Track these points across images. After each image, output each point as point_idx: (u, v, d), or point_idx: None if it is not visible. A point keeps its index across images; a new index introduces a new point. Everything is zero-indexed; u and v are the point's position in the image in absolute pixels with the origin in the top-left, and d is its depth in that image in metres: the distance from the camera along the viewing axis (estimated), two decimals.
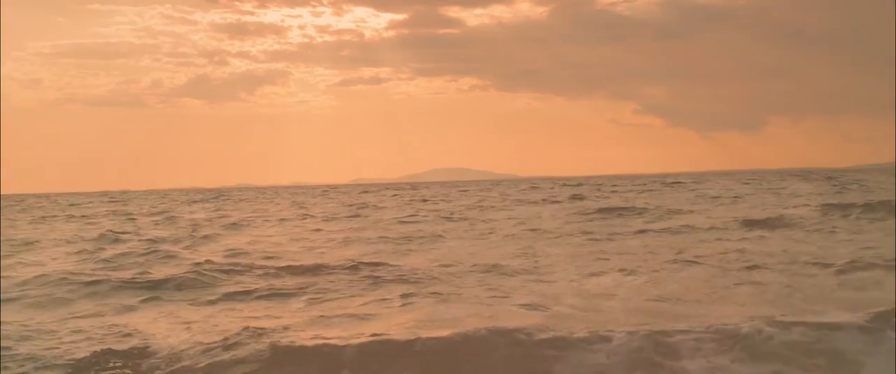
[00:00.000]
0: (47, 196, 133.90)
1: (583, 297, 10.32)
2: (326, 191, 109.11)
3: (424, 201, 49.86)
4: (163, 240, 22.36)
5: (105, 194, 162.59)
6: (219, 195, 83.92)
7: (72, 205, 65.51)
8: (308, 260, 15.50)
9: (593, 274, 12.56)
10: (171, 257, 17.05)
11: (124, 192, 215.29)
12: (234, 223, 31.10)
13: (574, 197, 46.37)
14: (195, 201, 68.81)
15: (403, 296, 10.87)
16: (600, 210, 29.73)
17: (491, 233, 22.15)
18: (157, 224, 32.70)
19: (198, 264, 14.69)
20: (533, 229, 22.69)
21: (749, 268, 12.58)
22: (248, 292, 11.80)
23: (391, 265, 14.19)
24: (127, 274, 14.04)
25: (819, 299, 9.71)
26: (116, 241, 22.16)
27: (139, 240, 22.16)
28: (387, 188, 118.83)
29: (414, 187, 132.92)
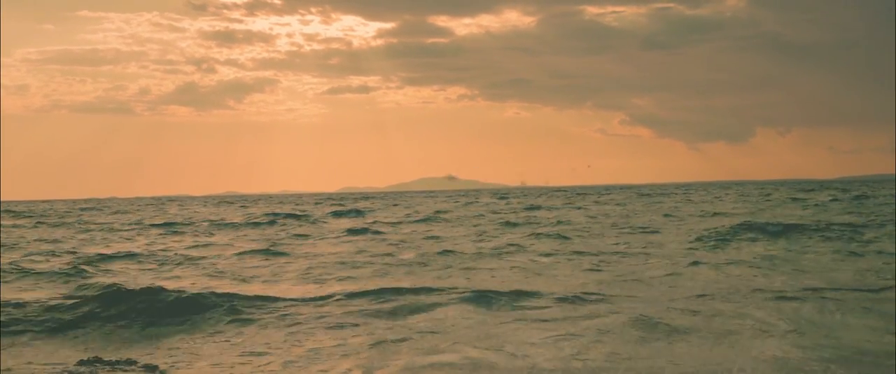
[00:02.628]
0: (33, 203, 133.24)
1: None
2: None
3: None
4: None
5: (91, 200, 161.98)
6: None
7: (50, 210, 65.23)
8: None
9: None
10: None
11: (111, 199, 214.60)
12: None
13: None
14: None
15: None
16: None
17: None
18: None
19: None
20: None
21: None
22: None
23: None
24: None
25: None
26: None
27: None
28: (367, 198, 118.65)
29: (399, 196, 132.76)
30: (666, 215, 34.94)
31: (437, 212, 44.35)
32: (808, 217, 29.72)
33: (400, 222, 34.83)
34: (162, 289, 12.08)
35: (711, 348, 8.05)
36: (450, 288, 12.41)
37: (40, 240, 27.30)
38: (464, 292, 11.87)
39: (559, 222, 31.54)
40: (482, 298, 11.48)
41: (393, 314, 10.57)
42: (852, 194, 59.97)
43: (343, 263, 17.26)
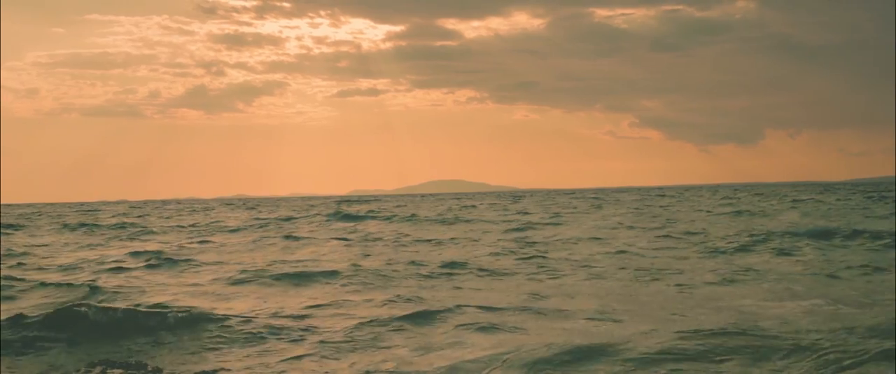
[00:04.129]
0: (42, 206, 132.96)
1: None
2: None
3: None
4: None
5: (100, 203, 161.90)
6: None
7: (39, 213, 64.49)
8: None
9: None
10: None
11: (121, 201, 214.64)
12: None
13: None
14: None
15: None
16: None
17: None
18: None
19: None
20: None
21: None
22: None
23: None
24: None
25: None
26: None
27: None
28: (377, 200, 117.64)
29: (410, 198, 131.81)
30: (666, 220, 33.75)
31: (446, 212, 43.27)
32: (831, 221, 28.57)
33: (404, 224, 33.74)
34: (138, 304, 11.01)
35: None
36: (458, 303, 11.30)
37: (30, 246, 26.34)
38: (474, 308, 10.75)
39: (552, 221, 30.42)
40: (492, 312, 10.34)
41: (403, 328, 9.45)
42: (868, 194, 58.73)
43: (339, 270, 16.12)
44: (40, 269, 17.47)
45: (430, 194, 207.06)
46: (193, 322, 9.81)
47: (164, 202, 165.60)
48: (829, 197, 57.31)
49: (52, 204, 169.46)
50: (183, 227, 36.94)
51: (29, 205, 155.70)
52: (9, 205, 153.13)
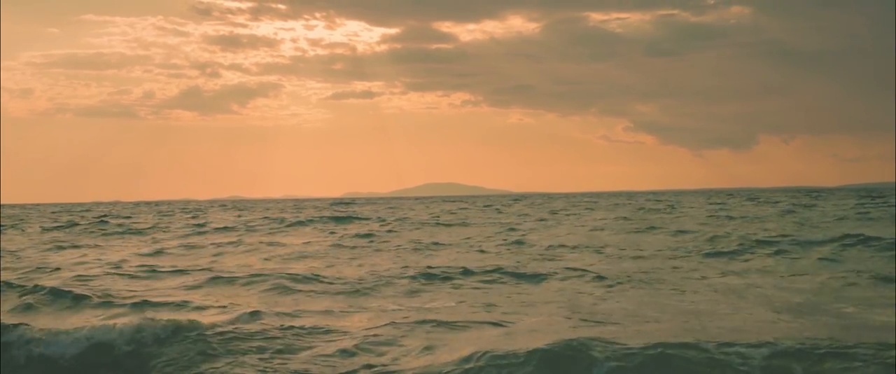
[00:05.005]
0: (36, 207, 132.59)
1: None
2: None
3: None
4: None
5: (93, 204, 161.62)
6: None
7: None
8: None
9: None
10: None
11: (116, 202, 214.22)
12: None
13: None
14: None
15: None
16: None
17: None
18: None
19: None
20: None
21: None
22: None
23: None
24: None
25: None
26: None
27: None
28: (371, 202, 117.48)
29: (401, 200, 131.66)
30: (659, 224, 33.54)
31: (437, 215, 43.03)
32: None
33: (394, 227, 33.47)
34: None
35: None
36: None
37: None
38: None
39: (542, 226, 30.19)
40: (479, 314, 10.08)
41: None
42: (861, 199, 58.68)
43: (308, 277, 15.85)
44: (13, 270, 17.18)
45: (425, 197, 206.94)
46: (172, 326, 9.54)
47: (158, 203, 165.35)
48: (823, 202, 57.18)
49: (45, 205, 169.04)
50: (168, 229, 36.62)
51: (21, 206, 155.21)
52: (1, 205, 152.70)
